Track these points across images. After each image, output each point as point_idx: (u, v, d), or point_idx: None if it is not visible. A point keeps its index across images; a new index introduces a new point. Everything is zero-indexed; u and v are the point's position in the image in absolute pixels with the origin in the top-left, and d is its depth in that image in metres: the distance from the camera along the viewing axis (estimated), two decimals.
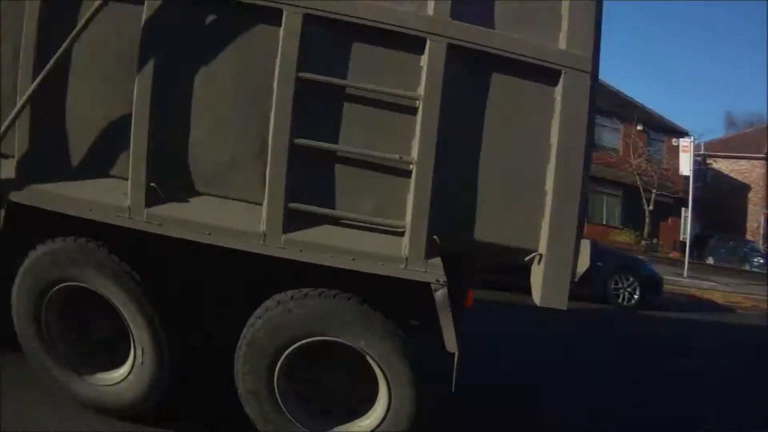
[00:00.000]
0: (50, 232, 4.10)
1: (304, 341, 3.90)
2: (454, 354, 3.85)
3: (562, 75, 3.68)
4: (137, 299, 4.05)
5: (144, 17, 3.78)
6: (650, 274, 14.12)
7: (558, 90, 3.71)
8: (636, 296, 13.36)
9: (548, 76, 3.71)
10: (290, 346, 3.91)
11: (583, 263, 3.84)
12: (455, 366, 3.87)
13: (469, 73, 3.72)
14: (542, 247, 3.79)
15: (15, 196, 4.03)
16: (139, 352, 4.16)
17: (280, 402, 4.02)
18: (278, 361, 3.95)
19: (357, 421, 4.08)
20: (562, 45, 3.71)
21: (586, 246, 3.88)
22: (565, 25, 3.70)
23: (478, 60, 3.70)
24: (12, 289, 4.16)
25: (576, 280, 3.81)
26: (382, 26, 3.65)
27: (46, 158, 4.05)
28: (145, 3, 3.76)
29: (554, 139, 3.73)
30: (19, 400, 4.33)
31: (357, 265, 3.79)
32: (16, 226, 4.07)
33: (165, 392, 4.25)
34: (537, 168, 3.76)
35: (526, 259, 3.84)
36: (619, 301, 13.36)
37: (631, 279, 13.40)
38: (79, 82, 3.96)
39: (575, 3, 3.69)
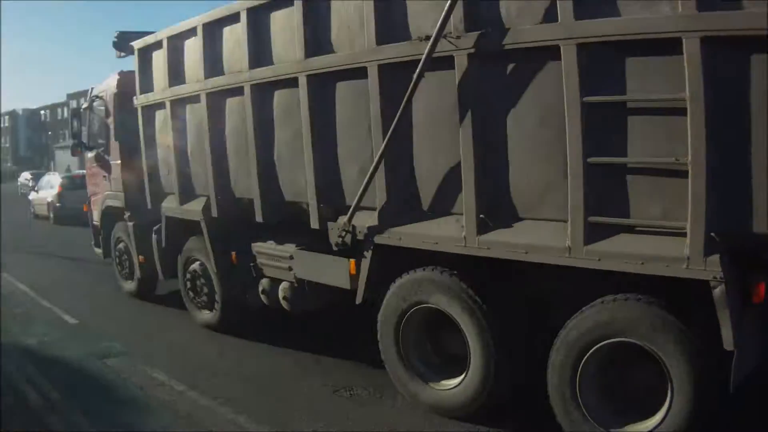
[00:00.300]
0: (407, 264, 5.12)
1: (606, 341, 4.16)
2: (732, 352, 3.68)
3: None
4: (476, 318, 4.76)
5: (457, 79, 4.61)
6: None
7: None
8: None
9: None
10: (594, 346, 4.22)
11: None
12: (734, 364, 3.70)
13: (728, 61, 3.57)
14: None
15: (379, 239, 5.19)
16: (473, 365, 4.87)
17: (579, 398, 4.33)
18: (582, 359, 4.28)
19: (644, 421, 4.16)
20: None
21: None
22: None
23: (733, 46, 3.53)
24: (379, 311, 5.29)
25: None
26: (643, 37, 3.79)
27: (399, 206, 5.12)
28: (456, 67, 4.58)
29: None
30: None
31: (646, 269, 3.89)
32: (380, 262, 5.22)
33: (490, 399, 4.92)
34: None
35: None
36: None
37: None
38: (417, 140, 4.98)
39: None
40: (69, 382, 6.44)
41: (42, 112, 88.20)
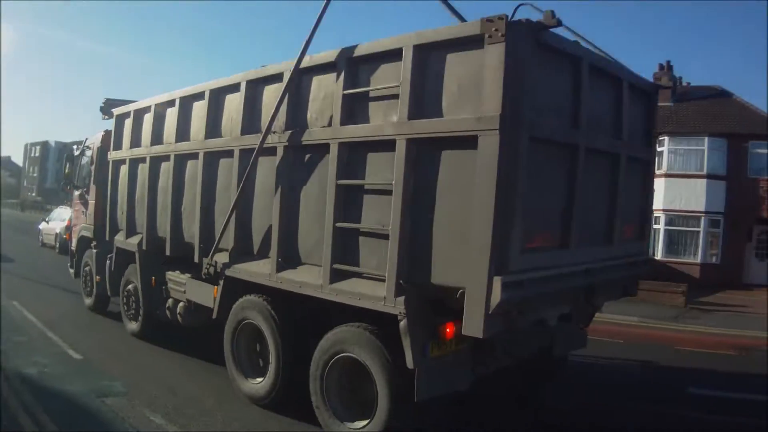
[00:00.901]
0: (244, 291, 7.02)
1: (339, 355, 5.85)
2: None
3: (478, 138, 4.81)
4: (273, 330, 6.60)
5: (276, 162, 6.57)
6: None
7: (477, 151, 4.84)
8: None
9: (469, 141, 4.87)
10: (332, 359, 5.92)
11: (495, 298, 4.79)
12: (416, 380, 5.19)
13: (424, 155, 5.20)
14: (466, 284, 4.93)
15: (228, 272, 7.12)
16: (270, 366, 6.64)
17: (327, 401, 6.01)
18: (326, 370, 5.96)
19: (366, 420, 5.75)
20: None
21: (497, 283, 4.84)
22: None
23: (430, 144, 5.16)
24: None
25: (490, 312, 4.76)
26: (372, 139, 5.60)
27: (240, 249, 7.05)
28: (277, 154, 6.55)
29: (474, 194, 4.82)
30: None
31: (362, 303, 5.59)
32: (231, 289, 7.11)
33: (281, 392, 6.69)
34: (465, 221, 4.90)
35: (457, 295, 5.04)
36: None
37: None
38: (255, 204, 6.94)
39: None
40: (66, 416, 6.53)
41: (75, 146, 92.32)
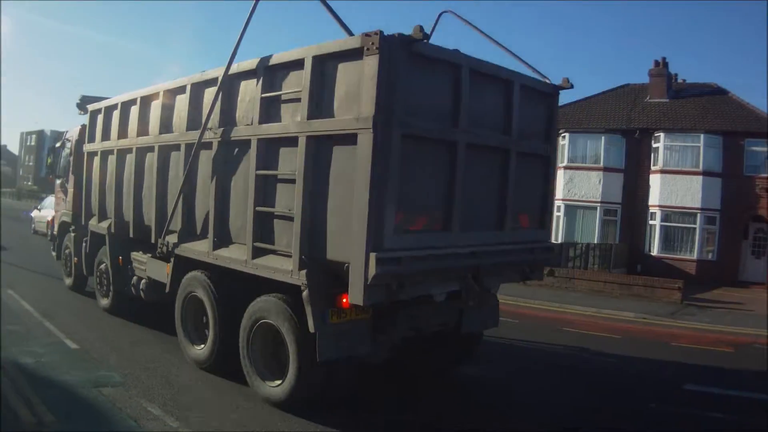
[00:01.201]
0: (191, 267, 8.25)
1: (259, 322, 7.06)
2: None
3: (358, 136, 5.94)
4: (212, 302, 7.82)
5: (212, 155, 7.79)
6: None
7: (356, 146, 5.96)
8: None
9: (352, 138, 5.98)
10: (255, 325, 7.13)
11: (371, 271, 5.84)
12: (317, 343, 6.29)
13: (321, 150, 6.34)
14: (350, 259, 6.07)
15: (177, 251, 8.35)
16: (210, 333, 7.87)
17: (253, 363, 7.20)
18: (251, 335, 7.18)
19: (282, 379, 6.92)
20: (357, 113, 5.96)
21: (373, 258, 5.88)
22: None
23: (325, 140, 6.31)
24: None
25: (369, 283, 5.84)
26: (282, 136, 6.78)
27: (186, 231, 8.28)
28: (212, 148, 7.77)
29: (355, 183, 5.93)
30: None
31: (275, 276, 6.77)
32: (180, 265, 8.35)
33: (219, 358, 7.86)
34: (349, 206, 6.01)
35: (345, 267, 6.19)
36: None
37: None
38: (197, 192, 8.17)
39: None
40: (63, 406, 6.69)
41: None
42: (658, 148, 28.17)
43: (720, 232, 27.70)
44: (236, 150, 7.51)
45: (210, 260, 7.80)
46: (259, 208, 7.04)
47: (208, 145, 7.85)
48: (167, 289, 8.72)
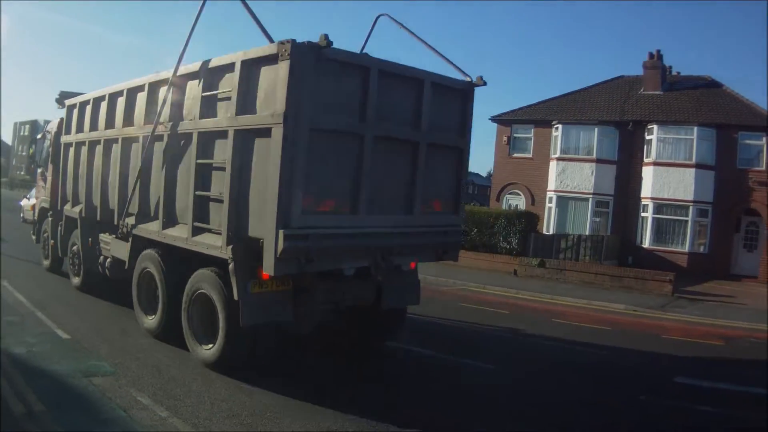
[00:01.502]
0: (146, 245, 9.62)
1: (197, 292, 8.41)
2: None
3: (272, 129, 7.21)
4: (161, 276, 9.18)
5: (162, 147, 9.13)
6: None
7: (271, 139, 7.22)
8: None
9: (268, 131, 7.24)
10: (193, 294, 8.47)
11: (280, 246, 7.11)
12: (241, 310, 7.58)
13: (245, 141, 7.64)
14: (264, 236, 7.36)
15: (135, 231, 9.73)
16: (159, 304, 9.23)
17: (192, 329, 8.54)
18: (190, 303, 8.52)
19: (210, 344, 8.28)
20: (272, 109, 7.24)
21: (281, 234, 7.14)
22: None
23: (249, 133, 7.62)
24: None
25: (278, 256, 7.13)
26: (216, 129, 8.09)
27: (142, 213, 9.66)
28: (164, 140, 9.10)
29: (269, 170, 7.20)
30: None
31: (209, 251, 8.10)
32: (137, 244, 9.73)
33: (167, 327, 9.18)
34: (265, 190, 7.28)
35: (260, 243, 7.47)
36: None
37: None
38: (152, 179, 9.53)
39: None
40: (54, 396, 6.89)
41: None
42: (651, 140, 29.18)
43: (712, 225, 28.72)
44: (182, 142, 8.83)
45: (160, 239, 9.16)
46: (198, 193, 8.37)
47: (160, 138, 9.19)
48: (126, 266, 10.08)
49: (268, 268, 7.26)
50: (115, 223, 10.38)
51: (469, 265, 23.80)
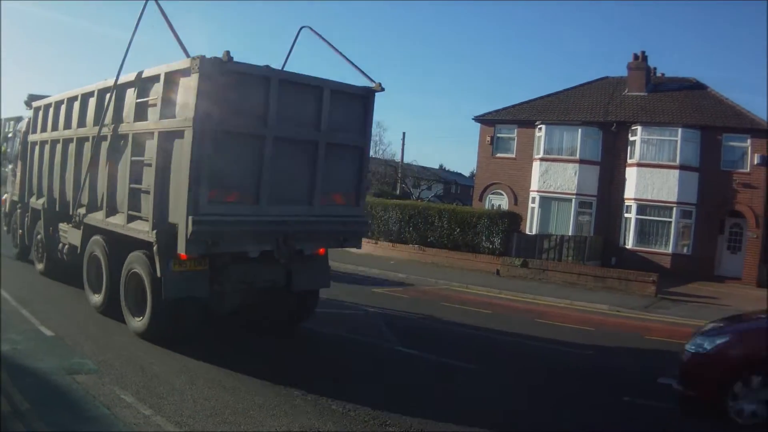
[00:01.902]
0: (94, 232, 11.56)
1: (130, 271, 10.30)
2: None
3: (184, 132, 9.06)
4: (106, 260, 11.11)
5: (107, 145, 11.08)
6: None
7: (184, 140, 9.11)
8: None
9: (182, 133, 9.11)
10: (128, 272, 10.35)
11: (189, 229, 8.93)
12: (163, 285, 9.43)
13: (167, 142, 9.45)
14: (178, 221, 9.19)
15: (85, 220, 11.70)
16: (103, 283, 11.17)
17: (127, 303, 10.43)
18: (125, 280, 10.42)
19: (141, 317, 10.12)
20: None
21: (190, 220, 8.94)
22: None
23: (168, 135, 9.46)
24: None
25: (188, 239, 8.96)
26: (146, 131, 9.98)
27: (91, 204, 11.62)
28: (107, 139, 11.04)
29: (182, 166, 9.08)
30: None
31: (139, 235, 9.96)
32: (87, 231, 11.70)
33: (110, 304, 11.04)
34: (181, 183, 9.09)
35: (177, 229, 9.31)
36: None
37: None
38: (98, 174, 11.47)
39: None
40: (38, 394, 7.16)
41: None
42: (635, 141, 30.75)
43: (695, 226, 30.19)
44: (122, 142, 10.75)
45: (103, 226, 11.08)
46: (132, 185, 10.27)
47: (105, 138, 11.11)
48: (78, 251, 12.02)
49: (181, 249, 9.10)
50: (70, 213, 12.32)
51: (452, 264, 25.32)
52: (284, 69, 11.27)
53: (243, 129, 9.51)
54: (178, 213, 9.17)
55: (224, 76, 9.09)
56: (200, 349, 9.57)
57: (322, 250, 11.23)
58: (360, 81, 10.93)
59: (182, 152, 9.14)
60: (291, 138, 10.04)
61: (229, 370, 8.76)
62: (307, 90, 10.18)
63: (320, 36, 11.53)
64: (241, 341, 10.89)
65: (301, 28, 11.97)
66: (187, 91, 9.18)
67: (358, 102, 10.96)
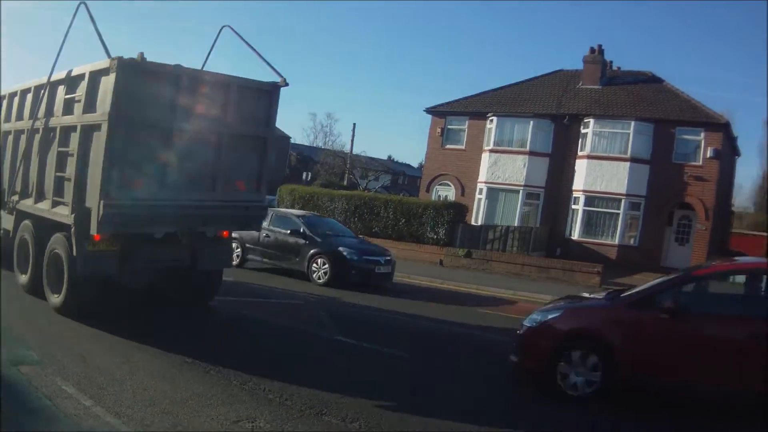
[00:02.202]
0: (25, 217, 13.00)
1: (52, 251, 11.76)
2: None
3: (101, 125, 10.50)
4: (33, 244, 12.56)
5: (58, 138, 12.50)
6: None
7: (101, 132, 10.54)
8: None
9: (100, 126, 10.57)
10: (49, 252, 11.83)
11: (100, 212, 10.34)
12: (77, 262, 10.99)
13: (86, 140, 10.85)
14: (92, 205, 10.61)
15: (18, 206, 13.15)
16: (30, 264, 12.63)
17: (47, 279, 11.91)
18: (47, 260, 11.90)
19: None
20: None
21: (101, 204, 10.38)
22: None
23: (91, 128, 10.90)
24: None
25: (100, 220, 10.36)
26: (71, 124, 11.42)
27: (23, 192, 13.06)
28: (41, 132, 12.44)
29: (98, 156, 10.53)
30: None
31: (61, 219, 11.33)
32: (19, 217, 13.15)
33: (34, 282, 12.51)
34: (97, 171, 10.46)
35: (91, 213, 10.74)
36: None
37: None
38: (39, 163, 12.85)
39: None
40: None
41: None
42: (587, 133, 32.43)
43: (644, 217, 31.90)
44: (51, 134, 12.14)
45: (32, 211, 12.48)
46: (57, 174, 11.69)
47: (38, 131, 12.52)
48: (11, 235, 13.42)
49: (93, 230, 10.56)
50: (5, 200, 13.71)
51: (397, 255, 25.97)
52: (205, 66, 12.79)
53: (154, 123, 10.89)
54: (93, 198, 10.54)
55: (138, 75, 10.51)
56: (142, 338, 10.17)
57: (225, 233, 12.76)
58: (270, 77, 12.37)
59: (99, 143, 10.53)
60: (197, 130, 11.39)
61: (169, 360, 9.31)
62: (215, 86, 11.64)
63: (238, 35, 12.89)
64: (183, 330, 11.62)
65: (222, 28, 13.38)
66: (106, 88, 10.56)
67: (265, 96, 12.36)
